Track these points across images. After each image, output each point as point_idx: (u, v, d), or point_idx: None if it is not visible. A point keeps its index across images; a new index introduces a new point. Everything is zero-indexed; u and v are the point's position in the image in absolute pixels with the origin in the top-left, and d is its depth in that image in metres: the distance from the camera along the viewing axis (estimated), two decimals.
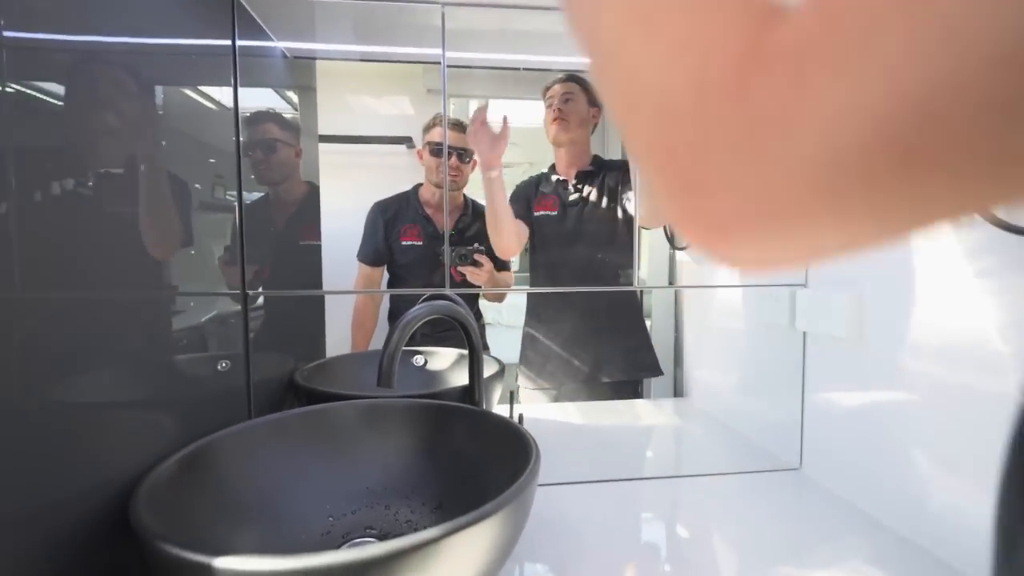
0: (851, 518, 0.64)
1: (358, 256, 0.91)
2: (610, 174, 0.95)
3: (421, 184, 0.93)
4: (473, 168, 0.92)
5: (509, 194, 0.94)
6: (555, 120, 0.93)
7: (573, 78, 0.92)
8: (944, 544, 0.55)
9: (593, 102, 0.93)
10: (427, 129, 0.90)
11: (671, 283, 1.04)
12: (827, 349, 0.73)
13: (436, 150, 0.88)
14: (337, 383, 0.83)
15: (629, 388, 1.06)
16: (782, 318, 0.79)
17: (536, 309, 1.03)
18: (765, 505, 0.69)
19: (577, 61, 0.91)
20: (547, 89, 0.94)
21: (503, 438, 0.58)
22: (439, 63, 0.73)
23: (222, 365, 0.67)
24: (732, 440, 0.91)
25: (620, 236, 0.97)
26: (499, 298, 1.02)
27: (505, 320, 1.10)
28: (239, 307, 0.69)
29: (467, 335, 0.66)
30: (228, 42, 0.66)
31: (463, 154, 0.90)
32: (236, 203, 0.70)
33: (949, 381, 0.54)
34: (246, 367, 0.70)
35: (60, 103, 0.39)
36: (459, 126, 0.89)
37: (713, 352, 1.01)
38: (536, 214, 0.96)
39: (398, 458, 0.63)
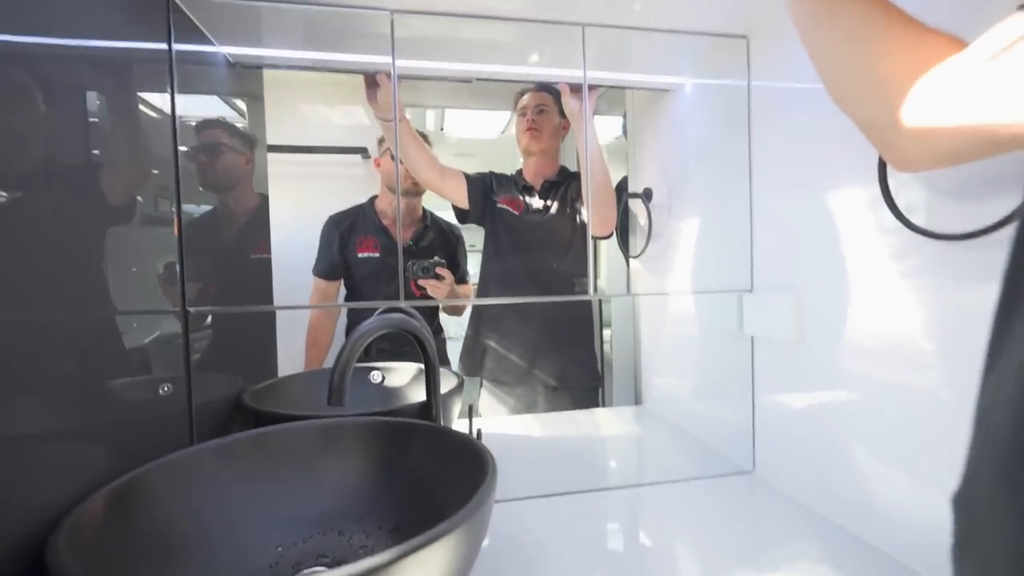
0: (803, 519, 0.66)
1: (313, 271, 0.88)
2: (572, 184, 0.97)
3: (377, 196, 0.91)
4: None
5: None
6: (527, 130, 0.95)
7: (546, 88, 0.94)
8: (891, 540, 0.57)
9: (563, 115, 0.95)
10: (382, 140, 0.89)
11: (629, 291, 1.07)
12: (773, 352, 0.76)
13: (393, 156, 0.88)
14: (288, 403, 0.80)
15: (589, 395, 1.07)
16: (731, 323, 0.81)
17: (484, 312, 1.03)
18: (722, 510, 0.71)
19: (530, 72, 0.93)
20: (519, 97, 0.95)
21: (461, 454, 0.57)
22: (390, 72, 0.73)
23: (164, 389, 0.63)
24: (689, 445, 0.92)
25: (576, 246, 0.99)
26: (458, 311, 1.01)
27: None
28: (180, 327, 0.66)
29: (423, 349, 0.65)
30: (164, 46, 0.63)
31: None
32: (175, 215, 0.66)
33: (884, 380, 0.57)
34: (187, 390, 0.66)
35: None
36: (419, 134, 0.90)
37: (669, 359, 1.04)
38: (498, 205, 0.97)
39: (353, 480, 0.61)
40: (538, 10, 0.72)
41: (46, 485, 0.42)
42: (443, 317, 1.00)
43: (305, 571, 0.51)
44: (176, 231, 0.66)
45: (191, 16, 0.67)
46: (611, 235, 0.99)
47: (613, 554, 0.60)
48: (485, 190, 0.96)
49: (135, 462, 0.50)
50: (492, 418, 1.04)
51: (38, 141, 0.44)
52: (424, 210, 0.94)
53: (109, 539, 0.43)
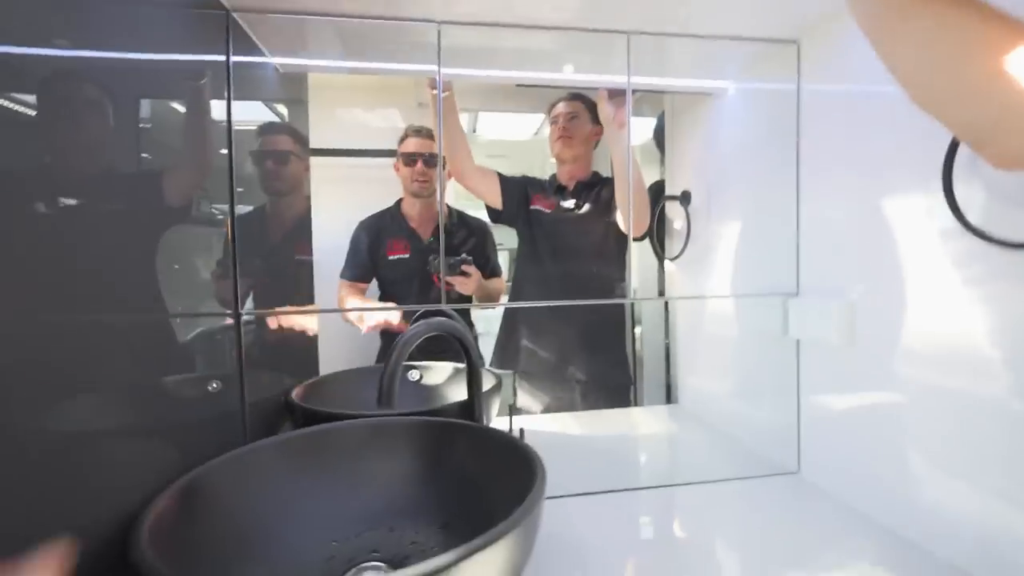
0: (852, 520, 0.65)
1: (341, 275, 0.90)
2: (606, 188, 0.97)
3: (402, 198, 0.93)
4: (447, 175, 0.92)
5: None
6: (560, 138, 0.95)
7: (578, 96, 0.95)
8: (947, 545, 0.56)
9: (596, 120, 0.95)
10: (401, 141, 0.90)
11: (661, 293, 1.06)
12: (821, 355, 0.75)
13: (409, 160, 0.89)
14: (334, 402, 0.82)
15: (620, 393, 1.07)
16: (775, 326, 0.80)
17: (517, 311, 1.04)
18: (766, 510, 0.70)
19: (570, 79, 0.93)
20: (552, 107, 0.96)
21: (506, 454, 0.58)
22: (433, 77, 0.74)
23: (212, 386, 0.65)
24: (728, 445, 0.92)
25: (610, 248, 0.99)
26: (494, 299, 1.01)
27: (495, 329, 1.11)
28: (225, 323, 0.68)
29: (466, 352, 0.66)
30: (222, 57, 0.66)
31: (429, 159, 0.90)
32: (224, 218, 0.68)
33: (941, 385, 0.55)
34: (240, 390, 0.68)
35: (36, 117, 0.38)
36: (425, 132, 0.90)
37: (705, 359, 1.03)
38: (532, 207, 0.98)
39: (401, 477, 0.62)
40: (584, 20, 0.72)
41: (118, 480, 0.44)
42: (474, 314, 1.01)
43: (361, 565, 0.53)
44: (229, 234, 0.69)
45: (248, 31, 0.70)
46: (645, 237, 0.98)
47: (657, 553, 0.60)
48: (519, 192, 0.97)
49: (195, 459, 0.52)
50: (526, 416, 1.05)
51: (105, 149, 0.46)
52: (448, 206, 0.94)
53: (181, 534, 0.45)
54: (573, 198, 0.99)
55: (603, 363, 1.06)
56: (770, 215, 0.82)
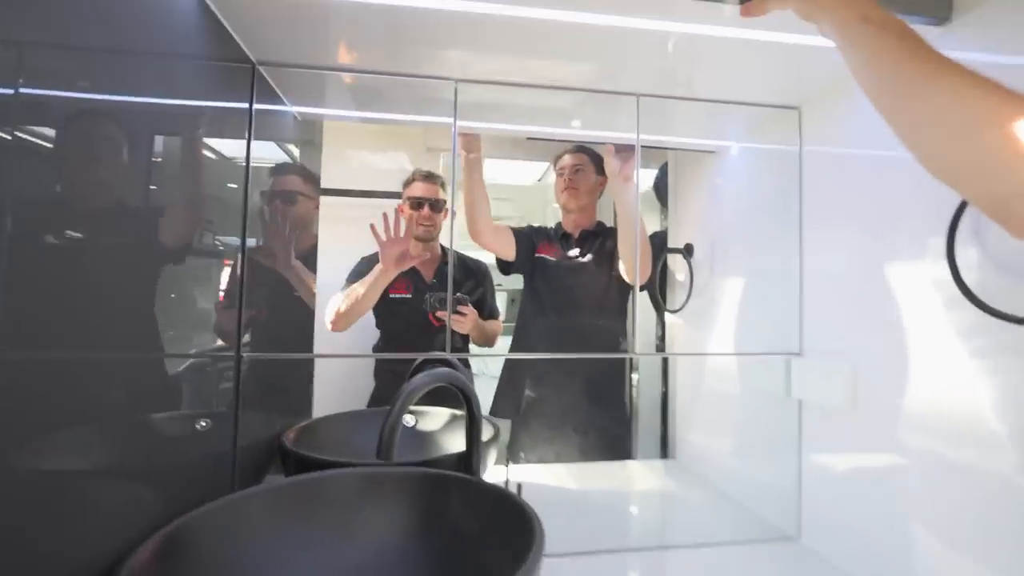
0: None
1: (345, 285, 0.89)
2: (610, 238, 0.99)
3: None
4: (445, 217, 0.94)
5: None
6: (566, 189, 0.99)
7: (583, 149, 0.98)
8: None
9: (600, 171, 0.98)
10: (407, 184, 0.92)
11: (659, 344, 1.06)
12: (823, 417, 0.74)
13: (416, 204, 0.91)
14: (328, 448, 0.80)
15: (617, 443, 1.06)
16: (777, 386, 0.80)
17: (522, 362, 1.04)
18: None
19: (578, 134, 0.96)
20: (558, 158, 0.99)
21: (502, 512, 0.56)
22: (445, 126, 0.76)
23: (201, 424, 0.63)
24: (727, 506, 0.89)
25: (612, 298, 0.99)
26: (488, 345, 1.01)
27: (491, 371, 1.09)
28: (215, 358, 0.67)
29: (468, 403, 0.65)
30: (246, 104, 0.68)
31: (435, 204, 0.92)
32: (224, 250, 0.68)
33: (945, 455, 0.55)
34: (234, 431, 0.67)
35: (53, 151, 0.38)
36: (432, 177, 0.92)
37: (705, 416, 1.01)
38: (538, 255, 1.00)
39: (394, 530, 0.60)
40: (597, 82, 0.75)
41: (100, 525, 0.42)
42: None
43: None
44: (238, 270, 0.69)
45: (271, 82, 0.73)
46: (644, 286, 0.99)
47: None
48: (528, 243, 0.99)
49: (181, 505, 0.50)
50: (522, 465, 1.02)
51: (114, 187, 0.46)
52: (441, 247, 0.95)
53: None
54: (578, 247, 1.00)
55: (603, 415, 1.05)
56: (773, 273, 0.83)
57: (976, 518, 0.52)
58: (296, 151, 0.90)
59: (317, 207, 0.87)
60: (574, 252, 1.01)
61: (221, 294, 0.68)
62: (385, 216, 0.86)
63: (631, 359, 1.07)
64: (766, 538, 0.78)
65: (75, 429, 0.41)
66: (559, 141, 1.00)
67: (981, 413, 0.51)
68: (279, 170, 0.80)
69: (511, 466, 1.03)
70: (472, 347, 0.97)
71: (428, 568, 0.57)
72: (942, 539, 0.55)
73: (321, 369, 0.89)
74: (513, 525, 0.53)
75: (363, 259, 0.91)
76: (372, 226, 0.85)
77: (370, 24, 0.61)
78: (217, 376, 0.68)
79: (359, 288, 0.87)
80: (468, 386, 0.64)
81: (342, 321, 0.87)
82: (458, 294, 0.91)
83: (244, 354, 0.68)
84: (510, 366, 1.03)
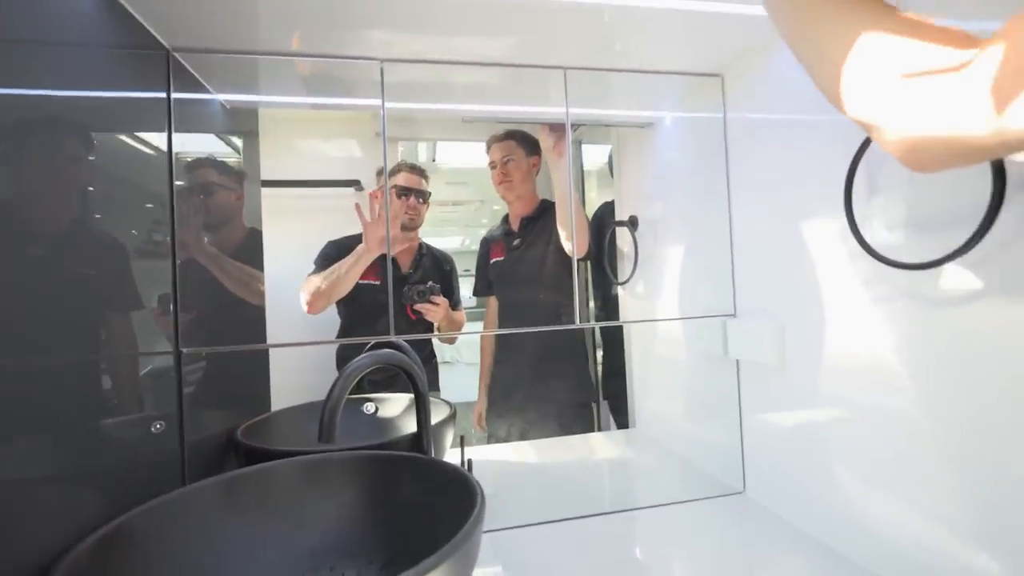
0: (793, 539, 0.67)
1: (312, 271, 0.88)
2: (547, 216, 1.00)
3: None
4: (427, 208, 0.96)
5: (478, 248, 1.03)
6: (501, 183, 1.00)
7: (509, 135, 0.99)
8: (875, 559, 0.58)
9: (532, 151, 0.99)
10: (391, 174, 0.93)
11: (599, 318, 1.08)
12: (758, 375, 0.77)
13: (403, 192, 0.93)
14: (281, 439, 0.80)
15: (584, 411, 1.09)
16: (717, 347, 0.83)
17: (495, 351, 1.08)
18: (715, 532, 0.71)
19: (516, 111, 0.97)
20: (488, 147, 0.99)
21: (451, 486, 0.57)
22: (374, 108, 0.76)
23: (156, 427, 0.63)
24: (681, 468, 0.93)
25: (560, 275, 1.01)
26: (451, 340, 1.03)
27: (464, 358, 1.11)
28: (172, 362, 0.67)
29: (413, 383, 0.66)
30: (163, 94, 0.66)
31: (421, 194, 0.94)
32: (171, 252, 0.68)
33: (862, 402, 0.58)
34: (179, 429, 0.66)
35: None
36: (417, 169, 0.95)
37: (659, 382, 1.05)
38: (490, 261, 1.03)
39: (344, 515, 0.61)
40: (521, 56, 0.75)
41: (37, 531, 0.42)
42: (435, 343, 1.02)
43: None
44: (171, 268, 0.68)
45: (190, 69, 0.70)
46: (587, 257, 1.02)
47: None
48: (484, 259, 1.03)
49: (129, 505, 0.50)
50: (487, 446, 1.04)
51: (46, 183, 0.45)
52: (420, 241, 0.97)
53: None
54: (520, 236, 1.02)
55: (565, 387, 1.09)
56: (707, 238, 0.86)
57: (887, 457, 0.55)
58: (239, 142, 0.88)
59: (239, 198, 0.85)
60: (516, 243, 1.03)
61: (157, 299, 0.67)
62: (371, 196, 0.86)
63: (594, 332, 1.10)
64: (715, 494, 0.81)
65: (17, 438, 0.41)
66: (497, 122, 1.00)
67: (883, 357, 0.55)
68: (194, 165, 0.79)
69: (472, 446, 1.05)
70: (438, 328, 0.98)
71: (379, 546, 0.59)
72: (858, 479, 0.59)
73: (279, 362, 0.88)
74: (460, 498, 0.54)
75: (330, 243, 0.91)
76: (357, 206, 0.86)
77: (289, 5, 0.60)
78: (185, 377, 0.68)
79: (341, 267, 0.87)
80: (411, 366, 0.65)
81: (320, 301, 0.87)
82: (430, 283, 0.93)
83: (183, 349, 0.67)
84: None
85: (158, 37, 0.65)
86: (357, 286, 0.91)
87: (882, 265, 0.52)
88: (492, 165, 1.00)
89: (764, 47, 0.72)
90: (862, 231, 0.53)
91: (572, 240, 0.91)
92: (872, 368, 0.56)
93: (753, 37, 0.71)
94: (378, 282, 0.92)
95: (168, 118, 0.67)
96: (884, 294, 0.55)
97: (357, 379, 0.58)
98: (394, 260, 0.93)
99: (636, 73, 0.82)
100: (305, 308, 0.86)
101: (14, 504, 0.40)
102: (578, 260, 0.98)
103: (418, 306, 0.92)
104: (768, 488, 0.76)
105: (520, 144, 0.99)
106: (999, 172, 0.42)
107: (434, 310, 0.93)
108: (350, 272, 0.87)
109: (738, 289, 0.81)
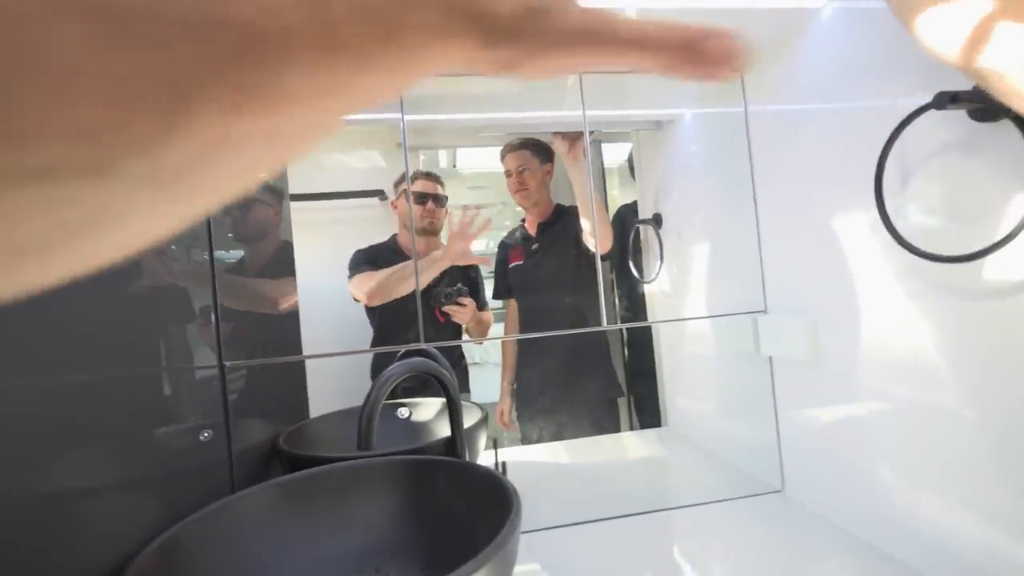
0: (834, 537, 0.65)
1: (352, 274, 0.91)
2: (571, 220, 1.01)
3: (396, 234, 0.96)
4: (446, 214, 0.97)
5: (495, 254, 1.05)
6: (516, 192, 1.01)
7: (523, 144, 1.00)
8: (921, 556, 0.56)
9: (545, 159, 1.00)
10: (411, 181, 0.96)
11: (624, 319, 1.08)
12: (792, 371, 0.76)
13: (420, 199, 0.95)
14: (321, 445, 0.83)
15: (612, 412, 1.10)
16: (748, 344, 0.82)
17: (518, 353, 1.09)
18: (754, 531, 0.70)
19: (533, 116, 0.98)
20: (502, 157, 1.01)
21: (486, 489, 0.59)
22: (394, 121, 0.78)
23: (204, 435, 0.67)
24: (717, 466, 0.92)
25: (582, 277, 1.02)
26: (482, 335, 1.05)
27: (493, 358, 1.12)
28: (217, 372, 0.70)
29: (445, 390, 0.68)
30: None
31: (438, 198, 0.96)
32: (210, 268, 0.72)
33: (899, 396, 0.57)
34: (227, 439, 0.70)
35: None
36: (432, 176, 0.97)
37: (690, 380, 1.04)
38: (509, 266, 1.04)
39: (385, 518, 0.63)
40: None
41: (102, 538, 0.45)
42: (464, 345, 1.04)
43: None
44: (211, 282, 0.71)
45: None
46: (609, 254, 1.01)
47: None
48: (502, 265, 1.04)
49: (183, 512, 0.54)
50: (519, 447, 1.06)
51: None
52: (442, 245, 0.99)
53: None
54: (538, 241, 1.03)
55: (592, 384, 1.09)
56: (734, 234, 0.85)
57: (929, 453, 0.54)
58: None
59: (277, 214, 0.89)
60: (535, 247, 1.04)
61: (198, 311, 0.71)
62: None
63: (622, 333, 1.10)
64: (753, 493, 0.80)
65: (79, 450, 0.44)
66: (510, 133, 1.01)
67: (923, 351, 0.53)
68: None
69: (509, 448, 1.07)
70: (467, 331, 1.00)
71: (420, 548, 0.60)
72: (903, 476, 0.58)
73: (316, 369, 0.92)
74: (496, 501, 0.55)
75: (358, 251, 0.94)
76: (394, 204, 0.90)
77: None
78: (223, 398, 0.71)
79: (405, 270, 0.91)
80: (442, 373, 0.67)
81: (381, 294, 0.91)
82: (458, 286, 0.95)
83: (226, 363, 0.70)
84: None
85: None
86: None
87: (915, 258, 0.51)
88: (508, 174, 1.01)
89: (783, 39, 0.71)
90: (895, 223, 0.52)
91: (595, 236, 0.92)
92: (912, 362, 0.55)
93: (771, 30, 0.70)
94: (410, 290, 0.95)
95: None
96: (919, 288, 0.53)
97: (392, 387, 0.60)
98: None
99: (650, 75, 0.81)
100: (365, 300, 0.90)
101: (79, 513, 0.43)
102: (601, 257, 0.98)
103: (446, 308, 0.94)
104: (808, 486, 0.75)
105: (534, 153, 1.00)
106: None
107: (462, 312, 0.95)
108: (422, 276, 0.90)
109: (768, 285, 0.80)
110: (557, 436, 1.08)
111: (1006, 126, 0.43)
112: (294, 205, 0.91)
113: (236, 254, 0.83)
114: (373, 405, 0.58)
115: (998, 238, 0.43)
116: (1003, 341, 0.46)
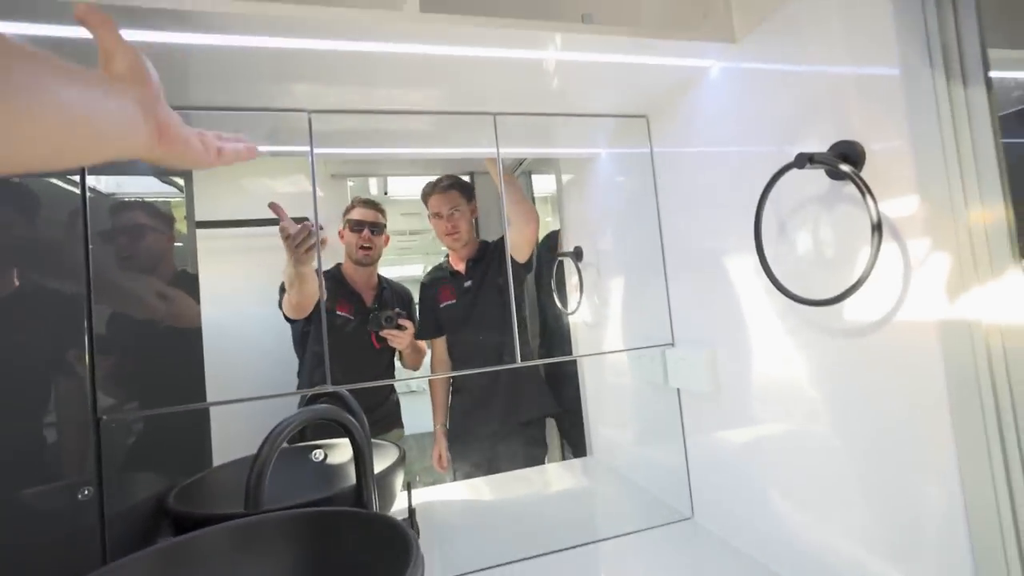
0: (737, 564, 0.68)
1: (282, 293, 0.85)
2: (494, 257, 1.01)
3: (340, 263, 0.95)
4: (386, 243, 0.97)
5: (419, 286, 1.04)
6: (447, 235, 1.01)
7: (451, 186, 1.00)
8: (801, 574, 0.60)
9: (471, 198, 1.01)
10: (347, 211, 0.94)
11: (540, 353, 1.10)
12: (697, 402, 0.79)
13: (356, 227, 0.94)
14: (218, 500, 0.76)
15: (541, 441, 1.10)
16: (659, 375, 0.85)
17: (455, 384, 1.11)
18: (666, 560, 0.72)
19: (452, 152, 0.99)
20: (427, 197, 1.00)
21: (390, 541, 0.56)
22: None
23: (83, 493, 0.60)
24: (634, 494, 0.94)
25: (518, 311, 1.03)
26: (417, 363, 1.02)
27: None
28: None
29: (351, 436, 0.65)
30: None
31: (375, 228, 0.95)
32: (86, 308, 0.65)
33: (787, 427, 0.61)
34: (99, 500, 0.62)
35: None
36: (373, 204, 0.96)
37: (612, 410, 1.06)
38: (440, 305, 1.03)
39: None
40: (450, 104, 0.77)
41: None
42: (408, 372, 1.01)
43: None
44: (86, 327, 0.64)
45: None
46: (529, 264, 1.02)
47: None
48: (431, 303, 1.03)
49: None
50: (444, 485, 1.03)
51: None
52: (379, 276, 0.99)
53: None
54: (470, 279, 1.03)
55: (524, 403, 1.11)
56: (645, 269, 0.88)
57: (811, 479, 0.58)
58: (183, 182, 0.86)
59: (170, 240, 0.83)
60: (467, 285, 1.03)
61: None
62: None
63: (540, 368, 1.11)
64: (667, 521, 0.82)
65: None
66: (439, 160, 1.02)
67: (800, 384, 0.57)
68: (121, 207, 0.77)
69: (430, 485, 1.04)
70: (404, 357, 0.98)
71: None
72: (791, 501, 0.61)
73: (223, 409, 0.85)
74: (399, 553, 0.53)
75: None
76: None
77: (219, 63, 0.60)
78: (112, 438, 0.64)
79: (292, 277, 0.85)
80: (346, 419, 0.64)
81: (291, 303, 0.86)
82: (396, 309, 0.93)
83: (103, 416, 0.64)
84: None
85: None
86: (337, 316, 0.91)
87: (787, 302, 0.55)
88: (437, 216, 1.00)
89: (682, 90, 0.76)
90: (775, 267, 0.56)
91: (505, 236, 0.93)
92: (792, 394, 0.59)
93: (669, 82, 0.75)
94: (353, 317, 0.92)
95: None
96: (796, 325, 0.58)
97: (286, 439, 0.57)
98: (358, 295, 0.95)
99: (565, 116, 0.84)
100: (290, 314, 0.86)
101: None
102: (524, 267, 1.00)
103: (385, 332, 0.91)
104: (713, 512, 0.78)
105: (462, 193, 1.01)
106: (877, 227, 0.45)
107: (401, 336, 0.93)
108: (300, 270, 0.84)
109: (675, 319, 0.84)
110: (486, 471, 1.07)
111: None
112: (205, 232, 0.85)
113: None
114: (264, 463, 0.54)
115: (851, 284, 0.47)
116: (862, 375, 0.50)
